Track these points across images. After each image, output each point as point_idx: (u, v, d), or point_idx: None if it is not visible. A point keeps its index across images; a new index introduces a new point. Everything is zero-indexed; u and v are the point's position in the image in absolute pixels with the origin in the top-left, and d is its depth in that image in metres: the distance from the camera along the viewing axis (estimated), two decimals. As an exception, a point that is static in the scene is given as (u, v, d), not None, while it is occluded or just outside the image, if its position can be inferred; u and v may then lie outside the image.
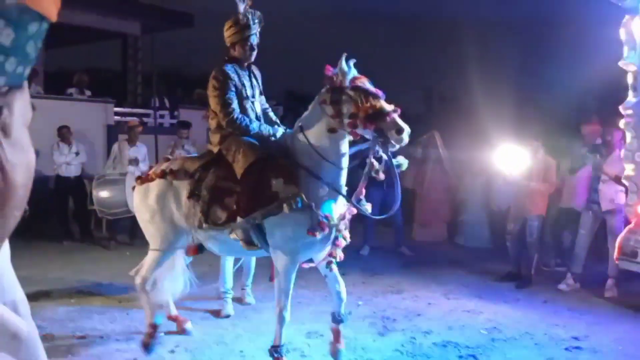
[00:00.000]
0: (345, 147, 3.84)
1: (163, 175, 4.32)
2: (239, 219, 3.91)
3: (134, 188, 4.64)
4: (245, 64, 4.27)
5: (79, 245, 8.39)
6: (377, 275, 6.89)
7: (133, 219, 5.64)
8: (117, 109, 10.93)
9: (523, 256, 6.71)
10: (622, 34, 5.68)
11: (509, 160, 6.43)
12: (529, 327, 5.03)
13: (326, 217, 3.75)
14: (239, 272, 5.51)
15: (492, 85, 12.38)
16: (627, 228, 5.65)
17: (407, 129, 3.57)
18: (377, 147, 3.65)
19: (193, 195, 4.11)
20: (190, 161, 4.37)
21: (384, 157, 3.70)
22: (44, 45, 2.09)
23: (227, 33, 4.21)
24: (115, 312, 5.22)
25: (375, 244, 8.21)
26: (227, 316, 5.23)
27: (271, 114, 4.53)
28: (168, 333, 4.60)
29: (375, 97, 3.63)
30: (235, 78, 4.16)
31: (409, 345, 4.58)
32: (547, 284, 6.56)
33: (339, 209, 3.88)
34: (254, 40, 4.20)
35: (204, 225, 4.04)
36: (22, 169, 1.34)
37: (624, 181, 5.68)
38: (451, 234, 9.16)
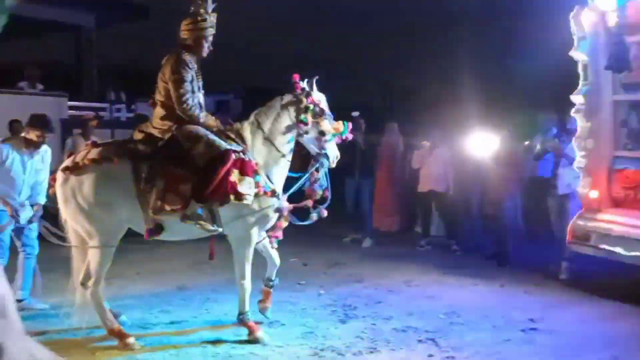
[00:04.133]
0: (293, 143, 4.58)
1: (98, 161, 4.10)
2: (193, 204, 4.06)
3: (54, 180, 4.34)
4: (197, 57, 4.39)
5: None
6: (338, 265, 6.92)
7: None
8: (71, 103, 10.58)
9: (500, 238, 7.03)
10: (572, 24, 5.84)
11: (480, 146, 6.81)
12: (487, 311, 5.14)
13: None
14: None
15: (451, 77, 12.55)
16: (578, 213, 5.84)
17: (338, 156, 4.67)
18: (322, 162, 4.57)
19: (148, 182, 4.09)
20: (135, 146, 4.23)
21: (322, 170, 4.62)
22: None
23: (189, 27, 4.31)
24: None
25: (335, 233, 8.26)
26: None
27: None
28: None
29: (332, 120, 4.55)
30: (192, 69, 4.29)
31: (369, 331, 4.63)
32: (503, 268, 6.72)
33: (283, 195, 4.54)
34: (211, 38, 4.40)
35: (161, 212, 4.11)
36: None
37: (575, 167, 5.86)
38: (411, 223, 9.23)
